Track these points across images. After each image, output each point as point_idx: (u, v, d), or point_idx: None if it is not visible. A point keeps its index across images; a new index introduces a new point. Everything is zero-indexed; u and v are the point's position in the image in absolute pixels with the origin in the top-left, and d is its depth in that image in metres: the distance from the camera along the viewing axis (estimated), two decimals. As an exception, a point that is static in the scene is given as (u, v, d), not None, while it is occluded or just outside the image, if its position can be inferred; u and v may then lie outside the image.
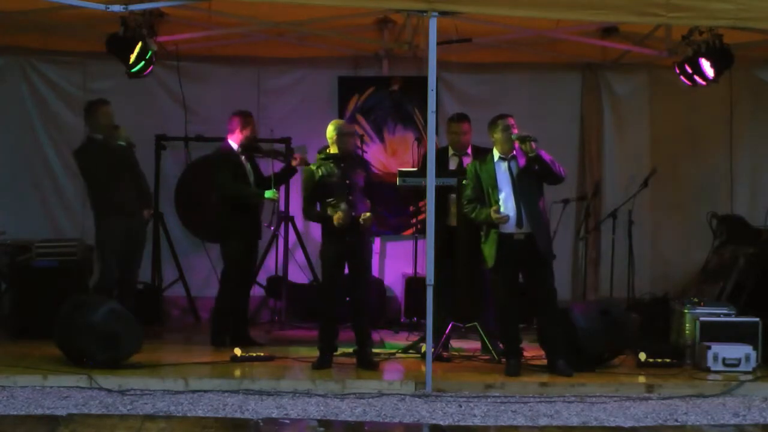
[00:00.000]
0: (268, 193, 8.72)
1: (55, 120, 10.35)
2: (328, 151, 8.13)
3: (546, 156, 7.85)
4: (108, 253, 8.62)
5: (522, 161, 7.91)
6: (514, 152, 7.94)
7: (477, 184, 8.00)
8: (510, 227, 7.85)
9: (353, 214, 7.90)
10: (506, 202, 7.87)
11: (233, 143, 8.86)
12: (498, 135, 7.96)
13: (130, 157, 8.78)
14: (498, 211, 7.80)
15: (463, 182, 8.20)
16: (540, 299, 8.00)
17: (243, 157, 8.86)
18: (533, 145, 7.78)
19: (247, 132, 8.84)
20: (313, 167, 8.11)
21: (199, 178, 10.10)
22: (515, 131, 7.90)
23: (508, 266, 7.92)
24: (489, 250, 7.94)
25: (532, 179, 7.91)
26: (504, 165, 7.94)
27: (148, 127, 10.19)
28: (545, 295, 7.98)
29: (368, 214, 7.94)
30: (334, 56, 10.58)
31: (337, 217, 7.87)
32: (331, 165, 8.05)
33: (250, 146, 8.91)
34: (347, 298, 8.36)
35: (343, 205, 7.90)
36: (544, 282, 7.96)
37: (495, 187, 7.90)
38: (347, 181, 8.00)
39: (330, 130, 8.12)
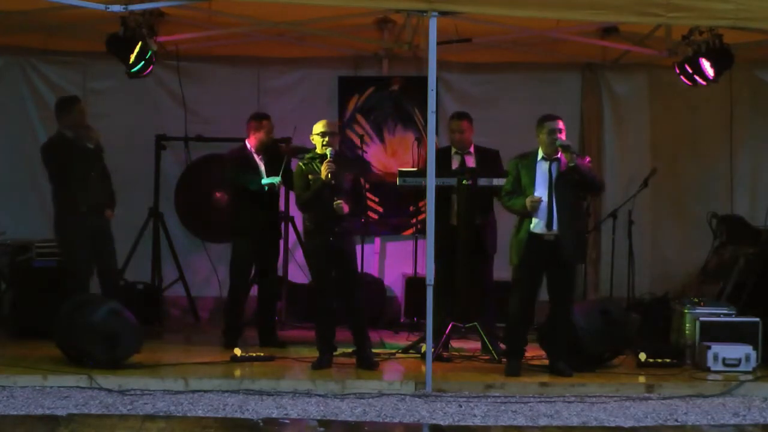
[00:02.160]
0: (265, 180, 8.70)
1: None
2: (315, 151, 8.15)
3: (585, 168, 7.85)
4: (74, 252, 8.56)
5: (564, 165, 7.89)
6: (558, 155, 7.89)
7: (516, 179, 7.97)
8: (540, 228, 7.82)
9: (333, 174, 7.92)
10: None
11: (249, 144, 8.90)
12: (543, 137, 7.88)
13: (98, 158, 8.66)
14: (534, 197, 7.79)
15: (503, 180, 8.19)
16: (555, 301, 7.99)
17: (257, 156, 8.86)
18: (574, 155, 7.78)
19: (259, 135, 8.84)
20: (301, 164, 8.13)
21: (201, 177, 10.10)
22: (562, 136, 7.83)
23: (533, 267, 7.90)
24: (517, 247, 7.92)
25: (570, 184, 7.85)
26: (545, 165, 7.89)
27: (148, 127, 10.20)
28: (560, 299, 7.96)
29: (339, 201, 7.93)
30: (334, 56, 10.58)
31: (324, 168, 7.88)
32: (317, 165, 8.06)
33: (266, 148, 8.90)
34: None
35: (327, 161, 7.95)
36: (562, 286, 7.95)
37: (532, 186, 7.87)
38: (333, 182, 7.99)
39: (314, 130, 8.14)
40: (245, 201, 8.76)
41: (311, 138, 8.15)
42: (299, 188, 8.13)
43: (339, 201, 7.95)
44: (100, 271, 8.72)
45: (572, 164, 7.78)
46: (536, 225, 7.83)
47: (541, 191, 7.84)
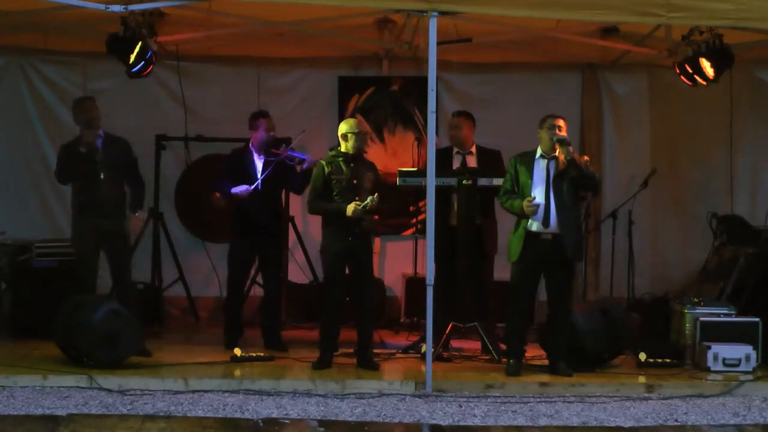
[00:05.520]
0: (235, 189, 8.61)
1: (55, 120, 10.34)
2: (339, 149, 8.13)
3: (582, 163, 7.85)
4: (78, 253, 8.53)
5: (562, 162, 7.88)
6: (556, 153, 7.90)
7: (515, 178, 7.98)
8: (536, 226, 7.83)
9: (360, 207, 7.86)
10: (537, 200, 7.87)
11: (252, 143, 8.87)
12: (543, 134, 7.92)
13: (104, 160, 8.39)
14: (531, 201, 7.78)
15: (504, 179, 8.15)
16: (553, 301, 7.99)
17: (256, 155, 8.83)
18: (570, 149, 7.78)
19: (257, 134, 8.82)
20: (323, 163, 8.10)
21: (200, 177, 10.10)
22: (561, 133, 7.86)
23: (531, 265, 7.90)
24: (515, 245, 7.92)
25: (568, 181, 7.86)
26: (543, 163, 7.91)
27: (148, 127, 10.19)
28: (559, 298, 7.97)
29: (374, 196, 7.82)
30: (334, 56, 10.58)
31: (351, 208, 7.83)
32: (341, 163, 8.05)
33: (265, 147, 8.86)
34: (347, 298, 8.36)
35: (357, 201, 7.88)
36: (561, 285, 7.96)
37: (530, 184, 7.88)
38: (354, 181, 7.99)
39: (343, 129, 8.11)
40: (241, 201, 8.74)
41: (340, 136, 8.14)
42: (315, 190, 8.08)
43: (373, 196, 7.80)
44: (112, 275, 8.62)
45: (569, 158, 7.79)
46: (533, 223, 7.84)
47: (538, 189, 7.85)
